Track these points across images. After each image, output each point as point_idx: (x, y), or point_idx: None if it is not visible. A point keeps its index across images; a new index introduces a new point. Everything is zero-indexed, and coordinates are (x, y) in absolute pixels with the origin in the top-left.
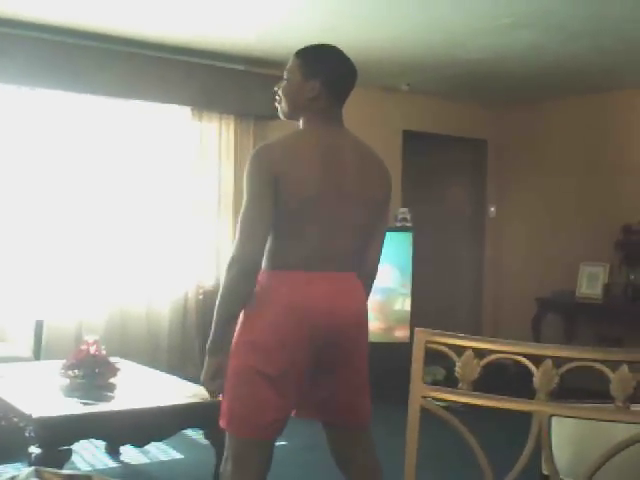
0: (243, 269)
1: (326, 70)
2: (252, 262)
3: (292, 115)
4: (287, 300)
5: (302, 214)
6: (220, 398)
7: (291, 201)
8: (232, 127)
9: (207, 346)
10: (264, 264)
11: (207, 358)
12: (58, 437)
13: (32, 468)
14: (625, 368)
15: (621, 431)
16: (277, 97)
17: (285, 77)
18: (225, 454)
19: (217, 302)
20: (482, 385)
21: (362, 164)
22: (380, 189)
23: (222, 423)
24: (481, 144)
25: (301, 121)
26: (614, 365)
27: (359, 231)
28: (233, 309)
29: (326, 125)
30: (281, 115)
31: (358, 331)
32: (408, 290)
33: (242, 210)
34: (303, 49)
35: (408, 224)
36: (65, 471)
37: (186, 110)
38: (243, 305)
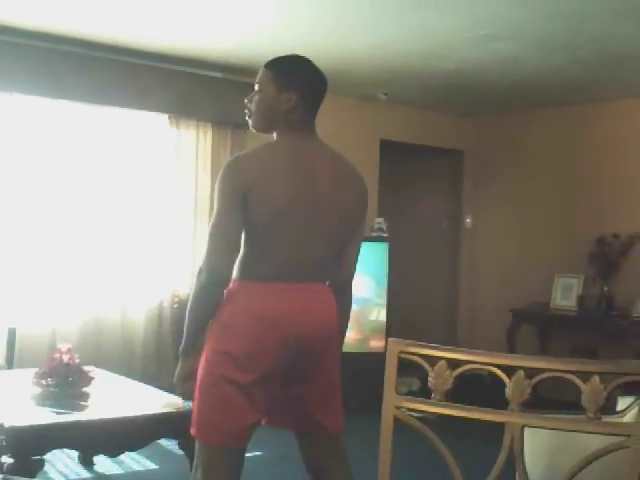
0: (211, 281)
1: (301, 81)
2: (219, 274)
3: (265, 128)
4: (257, 310)
5: (273, 226)
6: (191, 403)
7: (262, 214)
8: (209, 135)
9: (179, 349)
10: (235, 273)
11: (180, 361)
12: (30, 447)
13: (1, 477)
14: (596, 379)
15: (593, 442)
16: (247, 110)
17: (257, 89)
18: (195, 462)
19: (187, 309)
20: (458, 396)
21: (336, 175)
22: (354, 200)
23: (192, 431)
24: (458, 155)
25: (275, 133)
26: (586, 376)
27: (332, 242)
28: (202, 317)
29: (300, 136)
30: (253, 128)
31: (329, 342)
32: (384, 300)
33: (212, 222)
34: (274, 60)
35: (384, 234)
36: None
37: (163, 117)
38: (212, 313)
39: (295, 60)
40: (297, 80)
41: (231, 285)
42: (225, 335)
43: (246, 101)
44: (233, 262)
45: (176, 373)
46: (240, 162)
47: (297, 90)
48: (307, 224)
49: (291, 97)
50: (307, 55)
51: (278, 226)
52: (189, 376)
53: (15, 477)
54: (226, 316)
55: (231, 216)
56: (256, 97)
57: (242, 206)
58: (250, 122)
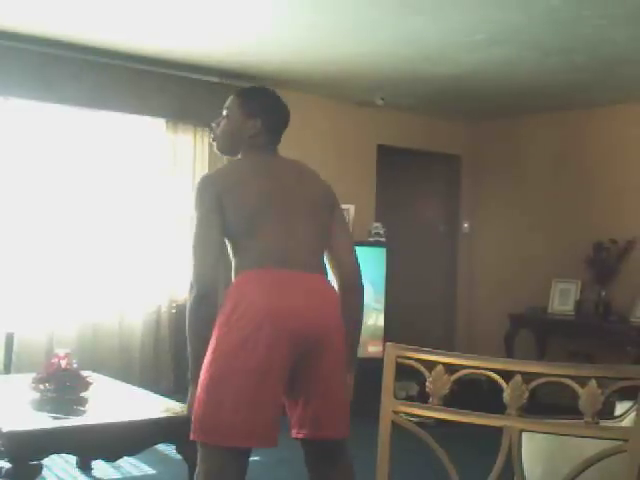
0: (199, 293)
1: (266, 110)
2: (206, 285)
3: (230, 151)
4: (257, 307)
5: (252, 224)
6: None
7: (239, 214)
8: (207, 139)
9: (188, 375)
10: (233, 267)
11: (190, 387)
12: (28, 451)
13: None
14: (594, 383)
15: (591, 446)
16: (213, 134)
17: (225, 114)
18: (197, 469)
19: (187, 332)
20: (457, 401)
21: (301, 176)
22: (321, 193)
23: (194, 436)
24: (455, 159)
25: (240, 154)
26: (583, 381)
27: (313, 232)
28: (202, 333)
29: (264, 154)
30: (218, 151)
31: (331, 335)
32: (381, 305)
33: (193, 236)
34: (243, 90)
35: (382, 239)
36: None
37: (161, 122)
38: (211, 327)
39: (261, 91)
40: (262, 109)
41: (230, 290)
42: (226, 335)
43: (213, 125)
44: (217, 271)
45: (188, 400)
46: (210, 176)
47: (262, 117)
48: (285, 218)
49: (256, 124)
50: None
51: (257, 223)
52: None
53: None
54: (225, 316)
55: (209, 225)
56: (223, 122)
57: (219, 214)
58: (215, 145)
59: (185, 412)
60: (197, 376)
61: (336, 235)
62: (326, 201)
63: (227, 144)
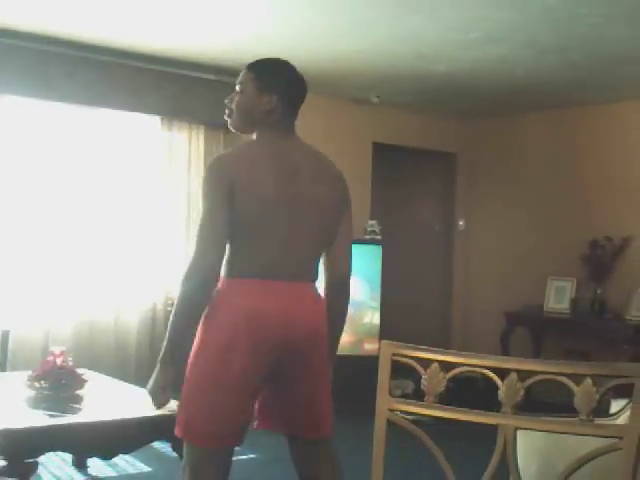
0: (202, 280)
1: (282, 84)
2: (210, 273)
3: (245, 128)
4: (243, 309)
5: (258, 222)
6: (167, 408)
7: (246, 208)
8: (202, 137)
9: (159, 356)
10: (223, 272)
11: (157, 368)
12: (23, 449)
13: None
14: (589, 381)
15: (586, 444)
16: (228, 110)
17: (238, 90)
18: (182, 463)
19: (172, 314)
20: (453, 398)
21: (316, 172)
22: (336, 197)
23: (177, 432)
24: (451, 157)
25: (255, 133)
26: (578, 379)
27: (317, 241)
28: (189, 321)
29: (280, 135)
30: (232, 128)
31: (315, 342)
32: (377, 303)
33: (199, 222)
34: (256, 63)
35: (377, 237)
36: None
37: (156, 119)
38: (199, 317)
39: (276, 63)
40: (278, 83)
41: (219, 284)
42: (212, 334)
43: (227, 101)
44: (221, 261)
45: (151, 382)
46: (221, 160)
47: (277, 92)
48: (290, 222)
49: (271, 99)
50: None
51: (261, 221)
52: (167, 386)
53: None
54: (214, 315)
55: (218, 214)
56: (237, 98)
57: (228, 202)
58: (229, 122)
59: (153, 397)
60: (168, 362)
61: (338, 236)
62: (338, 202)
63: (241, 121)
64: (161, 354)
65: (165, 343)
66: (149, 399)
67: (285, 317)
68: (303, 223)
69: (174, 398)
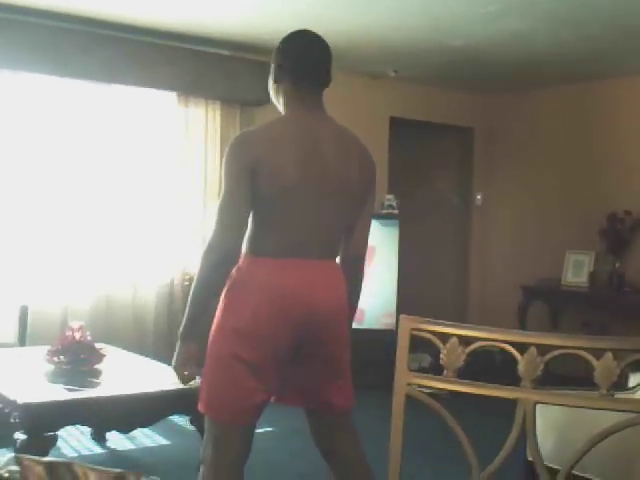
0: (221, 257)
1: (290, 57)
2: (230, 250)
3: (276, 103)
4: (266, 287)
5: (281, 201)
6: (192, 384)
7: (270, 188)
8: (218, 113)
9: (179, 331)
10: (245, 249)
11: (179, 343)
12: (43, 423)
13: (12, 455)
14: (609, 356)
15: (605, 418)
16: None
17: None
18: (205, 438)
19: (192, 288)
20: (469, 372)
21: (343, 151)
22: (362, 176)
23: (201, 407)
24: (468, 132)
25: (283, 109)
26: (598, 353)
27: (341, 220)
28: (207, 296)
29: (307, 112)
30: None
31: (338, 320)
32: (394, 277)
33: (220, 198)
34: (275, 49)
35: (394, 211)
36: (45, 458)
37: (172, 95)
38: (217, 293)
39: (292, 36)
40: (288, 56)
41: (240, 261)
42: (233, 311)
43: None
44: (242, 238)
45: (175, 356)
46: (247, 137)
47: (288, 66)
48: (315, 202)
49: (286, 86)
50: (316, 32)
51: (285, 200)
52: (189, 360)
53: (26, 455)
54: (235, 292)
55: (239, 192)
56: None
57: (250, 181)
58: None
59: (176, 372)
60: (189, 335)
61: (359, 221)
62: (365, 183)
63: (272, 97)
64: (181, 329)
65: (185, 318)
66: (175, 375)
67: (308, 295)
68: (328, 202)
69: (199, 374)
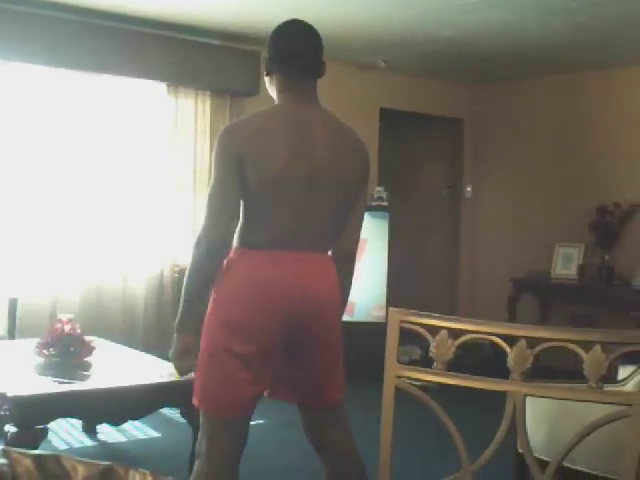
0: (211, 249)
1: (276, 47)
2: (219, 242)
3: (272, 94)
4: (256, 280)
5: (270, 192)
6: (191, 376)
7: (257, 178)
8: (208, 103)
9: (175, 324)
10: (235, 241)
11: (175, 336)
12: (33, 416)
13: (0, 448)
14: (598, 348)
15: (594, 411)
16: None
17: None
18: (200, 432)
19: (184, 281)
20: (459, 365)
21: (335, 142)
22: (355, 167)
23: (195, 402)
24: (458, 123)
25: (276, 98)
26: (588, 345)
27: (332, 212)
28: (199, 288)
29: (297, 102)
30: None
31: (330, 313)
32: (384, 269)
33: (209, 189)
34: (267, 43)
35: (384, 203)
36: (33, 451)
37: (161, 86)
38: (209, 284)
39: (280, 27)
40: (275, 46)
41: (231, 253)
42: (225, 305)
43: None
44: (232, 230)
45: (172, 348)
46: (234, 128)
47: (280, 70)
48: (306, 192)
49: (278, 78)
50: (306, 21)
51: (275, 192)
52: (186, 352)
53: (16, 449)
54: (226, 285)
55: (228, 183)
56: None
57: (239, 172)
58: None
59: (174, 364)
60: (184, 327)
61: (351, 213)
62: (359, 177)
63: (267, 88)
64: (176, 321)
65: (179, 310)
66: (172, 366)
67: (298, 287)
68: (320, 193)
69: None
